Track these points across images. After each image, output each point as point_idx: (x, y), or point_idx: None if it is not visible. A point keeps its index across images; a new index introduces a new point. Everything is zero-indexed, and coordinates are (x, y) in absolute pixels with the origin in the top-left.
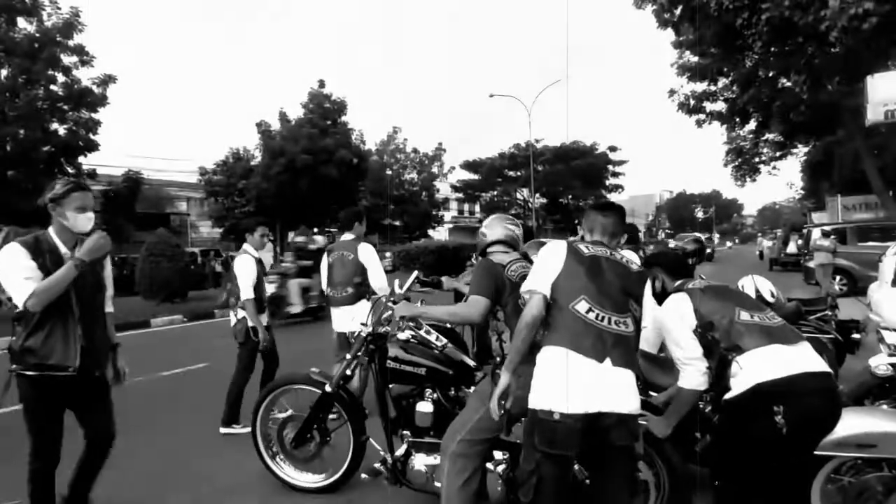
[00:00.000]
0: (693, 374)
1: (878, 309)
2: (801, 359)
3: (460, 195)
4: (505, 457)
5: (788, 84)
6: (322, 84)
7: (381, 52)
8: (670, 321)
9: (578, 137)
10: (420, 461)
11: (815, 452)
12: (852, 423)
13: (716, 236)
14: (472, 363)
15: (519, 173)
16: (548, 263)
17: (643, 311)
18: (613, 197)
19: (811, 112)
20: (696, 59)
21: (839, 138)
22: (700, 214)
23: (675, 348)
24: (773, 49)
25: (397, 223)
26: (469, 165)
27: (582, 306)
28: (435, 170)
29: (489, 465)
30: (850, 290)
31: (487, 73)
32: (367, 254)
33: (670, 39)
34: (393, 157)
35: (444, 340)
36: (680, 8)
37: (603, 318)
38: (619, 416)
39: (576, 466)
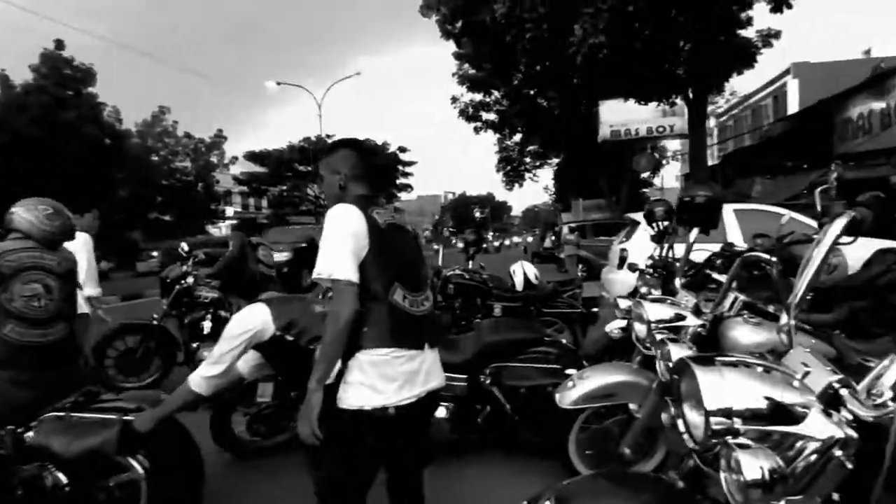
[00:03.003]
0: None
1: (609, 287)
2: None
3: (244, 188)
4: None
5: (545, 102)
6: (60, 46)
7: (146, 23)
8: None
9: (369, 136)
10: None
11: (568, 407)
12: (596, 378)
13: (490, 234)
14: None
15: (310, 168)
16: (348, 241)
17: None
18: (403, 196)
19: (561, 128)
20: (473, 70)
21: (581, 152)
22: (478, 214)
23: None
24: (533, 66)
25: (167, 217)
26: (254, 156)
27: (399, 295)
28: (214, 159)
29: None
30: (589, 275)
31: (276, 58)
32: (78, 245)
33: (452, 50)
34: (160, 140)
35: None
36: (461, 22)
37: (414, 302)
38: (435, 390)
39: None
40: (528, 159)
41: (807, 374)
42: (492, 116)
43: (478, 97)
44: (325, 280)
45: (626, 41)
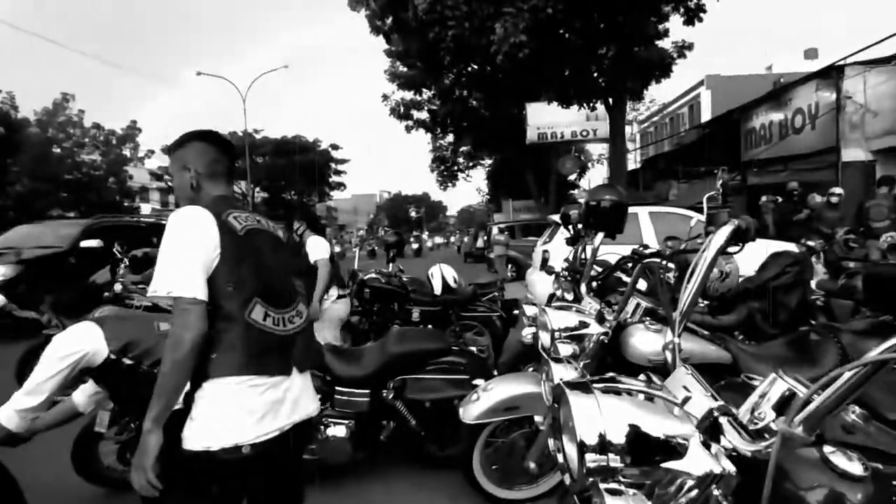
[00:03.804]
0: None
1: (532, 289)
2: None
3: (163, 184)
4: None
5: (474, 103)
6: None
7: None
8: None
9: (300, 132)
10: None
11: (471, 422)
12: (500, 390)
13: (426, 234)
14: None
15: (236, 164)
16: (194, 250)
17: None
18: (336, 195)
19: (490, 129)
20: (405, 68)
21: (511, 154)
22: (413, 214)
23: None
24: (462, 66)
25: (72, 214)
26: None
27: (259, 312)
28: (127, 152)
29: None
30: (518, 275)
31: (196, 48)
32: None
33: (384, 46)
34: (63, 131)
35: None
36: (391, 18)
37: (279, 320)
38: (305, 420)
39: None
40: (461, 159)
41: (687, 399)
42: (423, 115)
43: (409, 96)
44: (163, 297)
45: (547, 43)
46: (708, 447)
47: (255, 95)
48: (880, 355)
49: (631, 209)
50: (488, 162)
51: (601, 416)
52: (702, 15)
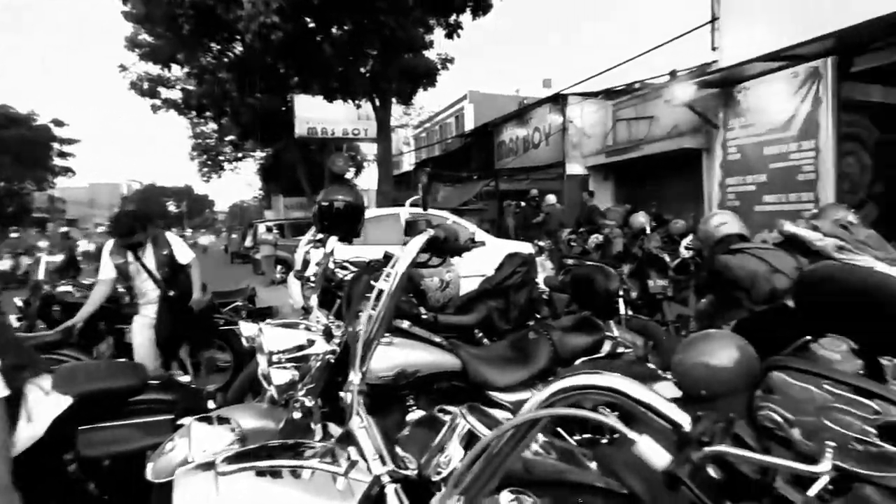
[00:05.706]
0: None
1: (291, 293)
2: None
3: None
4: None
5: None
6: None
7: None
8: None
9: (8, 102)
10: None
11: (161, 480)
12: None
13: (189, 231)
14: None
15: None
16: None
17: None
18: (65, 182)
19: (256, 118)
20: (149, 37)
21: (282, 146)
22: (173, 208)
23: None
24: (224, 45)
25: None
26: None
27: None
28: None
29: None
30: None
31: None
32: None
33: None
34: None
35: None
36: None
37: None
38: None
39: None
40: (227, 149)
41: (354, 464)
42: (175, 95)
43: (156, 70)
44: None
45: (306, 31)
46: None
47: None
48: (523, 416)
49: (393, 210)
50: (260, 154)
51: None
52: (460, 31)
